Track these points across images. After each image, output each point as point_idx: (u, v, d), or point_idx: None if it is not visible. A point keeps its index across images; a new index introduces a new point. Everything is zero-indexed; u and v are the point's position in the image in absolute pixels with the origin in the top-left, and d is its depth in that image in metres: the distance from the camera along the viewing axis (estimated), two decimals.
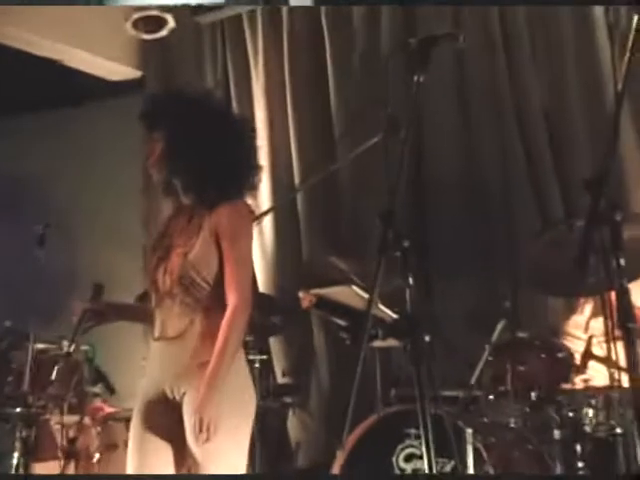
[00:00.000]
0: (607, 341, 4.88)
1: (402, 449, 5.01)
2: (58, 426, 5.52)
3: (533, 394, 4.98)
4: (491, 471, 4.82)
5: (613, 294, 2.85)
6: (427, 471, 2.99)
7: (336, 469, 5.08)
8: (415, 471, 4.93)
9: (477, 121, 6.53)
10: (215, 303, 3.71)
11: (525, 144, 6.35)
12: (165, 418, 3.73)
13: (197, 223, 3.78)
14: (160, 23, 7.07)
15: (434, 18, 6.57)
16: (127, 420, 5.02)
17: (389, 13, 6.84)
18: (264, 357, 5.93)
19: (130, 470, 3.74)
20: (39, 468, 5.22)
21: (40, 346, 5.56)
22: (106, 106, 7.67)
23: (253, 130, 4.15)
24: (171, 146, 3.81)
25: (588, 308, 5.47)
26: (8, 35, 6.91)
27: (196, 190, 3.82)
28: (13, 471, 5.10)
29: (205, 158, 3.79)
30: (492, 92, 6.48)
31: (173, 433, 3.71)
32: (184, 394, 3.68)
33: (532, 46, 6.44)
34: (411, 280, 3.03)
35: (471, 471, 4.79)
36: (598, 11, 6.20)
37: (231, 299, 3.66)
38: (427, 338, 3.05)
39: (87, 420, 5.49)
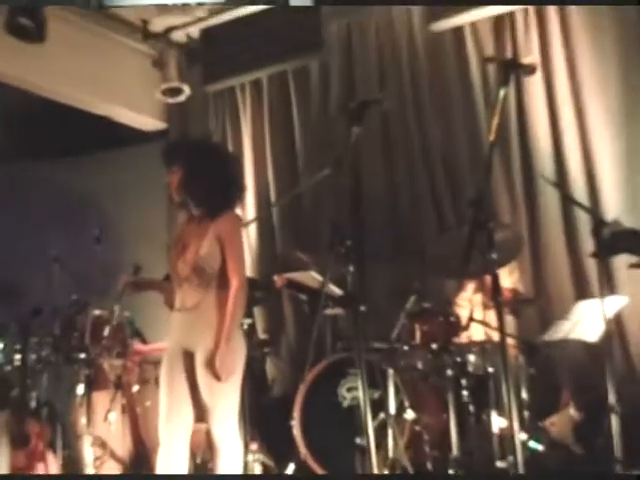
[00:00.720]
0: (483, 309, 4.97)
1: (344, 383, 5.01)
2: (109, 367, 5.52)
3: (434, 346, 4.98)
4: (405, 400, 4.83)
5: (488, 277, 2.89)
6: (361, 398, 3.02)
7: (299, 397, 5.09)
8: (353, 398, 4.94)
9: (397, 161, 6.55)
10: (220, 284, 3.74)
11: (429, 175, 6.37)
12: (184, 363, 3.75)
13: (204, 229, 3.80)
14: (179, 91, 7.10)
15: (366, 87, 6.59)
16: (155, 363, 5.09)
17: (336, 84, 6.84)
18: (250, 321, 5.90)
19: (163, 395, 3.75)
20: (96, 395, 5.21)
21: (96, 312, 5.54)
22: (141, 149, 7.62)
23: (241, 164, 4.17)
24: (186, 177, 3.83)
25: (471, 287, 5.50)
26: (69, 96, 6.88)
27: (204, 206, 3.84)
28: (79, 397, 5.16)
29: (210, 184, 3.80)
30: (405, 140, 6.51)
31: (189, 373, 3.73)
32: (197, 347, 3.71)
33: (432, 105, 6.46)
34: (351, 268, 3.06)
35: (392, 399, 4.80)
36: (478, 85, 6.26)
37: (234, 281, 3.70)
38: (362, 308, 3.08)
39: (129, 363, 5.48)
